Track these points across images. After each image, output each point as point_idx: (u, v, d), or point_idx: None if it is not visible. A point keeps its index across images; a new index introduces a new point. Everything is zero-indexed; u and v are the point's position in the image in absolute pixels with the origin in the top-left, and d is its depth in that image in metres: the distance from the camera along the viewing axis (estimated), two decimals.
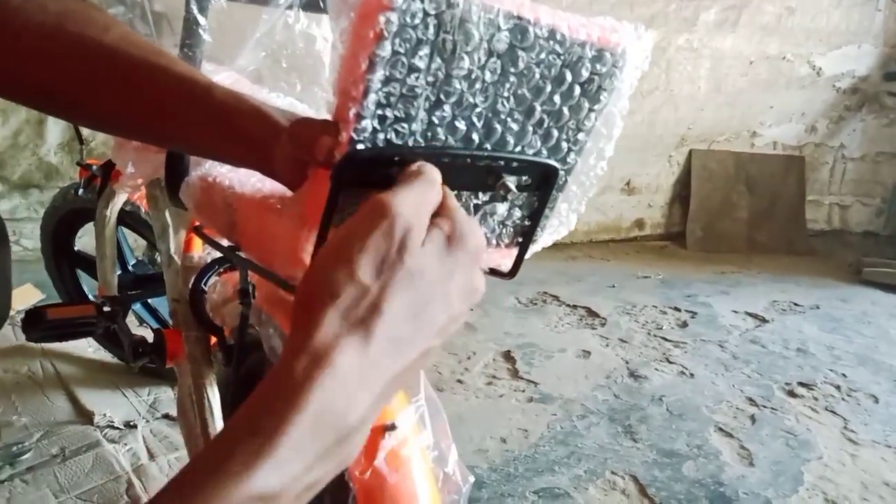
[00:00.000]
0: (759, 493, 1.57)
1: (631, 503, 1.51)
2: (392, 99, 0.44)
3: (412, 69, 0.44)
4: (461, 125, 0.48)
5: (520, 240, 0.58)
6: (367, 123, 0.45)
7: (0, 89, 0.62)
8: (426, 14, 0.42)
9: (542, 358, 2.23)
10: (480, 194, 0.53)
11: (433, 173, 0.43)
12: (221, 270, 0.93)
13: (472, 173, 0.50)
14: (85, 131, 2.12)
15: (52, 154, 2.90)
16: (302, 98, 0.85)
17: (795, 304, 2.94)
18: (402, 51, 0.43)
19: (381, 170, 0.46)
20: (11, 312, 1.02)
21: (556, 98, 0.51)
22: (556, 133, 0.53)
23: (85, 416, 1.66)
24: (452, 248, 0.40)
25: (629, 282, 3.15)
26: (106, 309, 1.19)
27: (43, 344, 1.94)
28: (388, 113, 0.45)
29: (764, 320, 2.73)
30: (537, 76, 0.49)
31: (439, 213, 0.42)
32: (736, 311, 2.81)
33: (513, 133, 0.51)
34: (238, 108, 0.55)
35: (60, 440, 1.56)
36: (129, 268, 1.75)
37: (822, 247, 3.99)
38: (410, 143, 0.47)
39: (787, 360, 2.33)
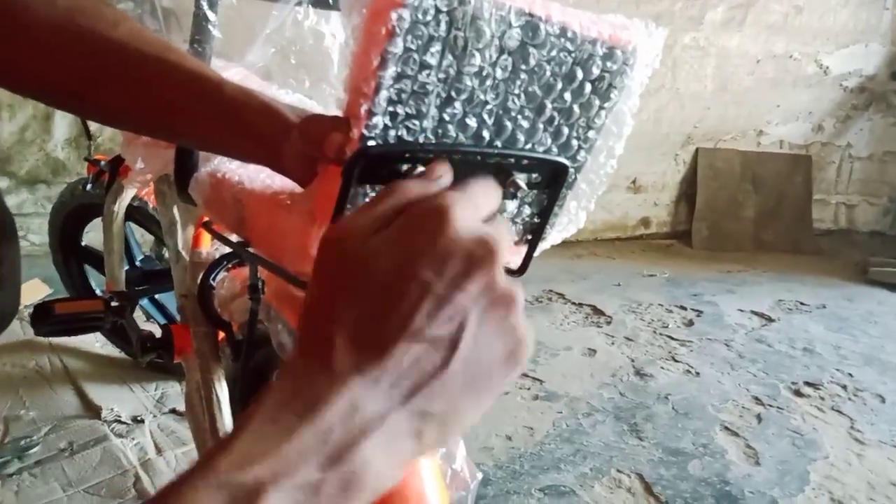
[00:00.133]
0: (765, 492, 1.56)
1: (637, 501, 1.51)
2: (403, 96, 0.45)
3: (423, 66, 0.44)
4: (472, 122, 0.49)
5: (529, 237, 0.58)
6: (379, 120, 0.45)
7: (9, 83, 0.62)
8: (438, 11, 0.42)
9: (548, 356, 2.23)
10: None
11: (489, 189, 0.41)
12: (230, 266, 0.94)
13: (482, 171, 0.50)
14: (93, 126, 2.14)
15: (59, 149, 2.90)
16: (311, 94, 0.85)
17: (802, 304, 2.93)
18: (413, 47, 0.43)
19: (391, 166, 0.46)
20: (20, 307, 1.02)
21: (567, 95, 0.51)
22: (566, 131, 0.53)
23: (92, 411, 1.67)
24: (498, 312, 0.36)
25: (635, 280, 3.15)
26: (114, 304, 1.20)
27: (51, 338, 1.94)
28: (400, 110, 0.45)
29: (770, 319, 2.72)
30: (548, 73, 0.49)
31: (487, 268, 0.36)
32: (742, 310, 2.80)
33: (523, 130, 0.51)
34: (248, 103, 0.55)
35: (68, 434, 1.56)
36: (137, 263, 1.76)
37: (828, 246, 3.97)
38: (421, 139, 0.47)
39: (794, 360, 2.32)
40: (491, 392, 0.34)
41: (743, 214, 3.94)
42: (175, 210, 1.09)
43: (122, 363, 1.91)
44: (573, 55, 0.49)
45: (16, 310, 0.85)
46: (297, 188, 0.57)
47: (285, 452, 0.29)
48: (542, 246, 0.60)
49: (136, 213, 1.59)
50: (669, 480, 1.58)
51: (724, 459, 1.69)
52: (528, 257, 0.58)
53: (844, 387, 2.13)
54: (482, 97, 0.48)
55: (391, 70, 0.43)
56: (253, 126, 0.55)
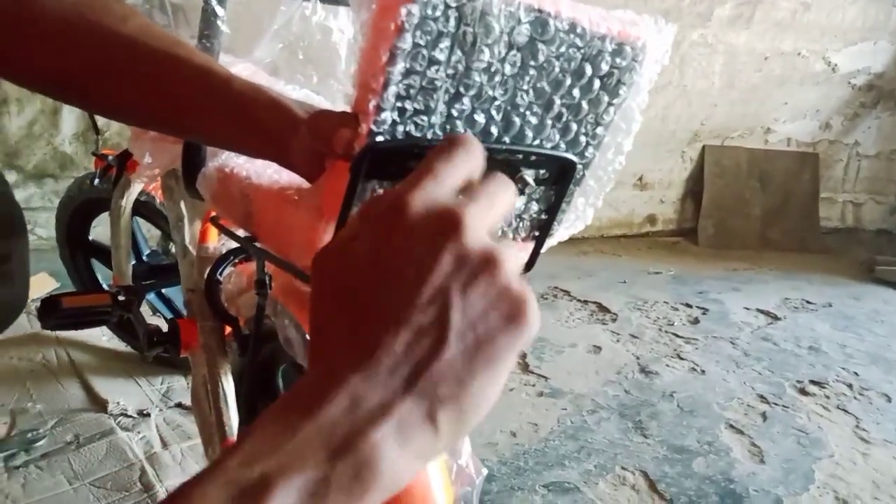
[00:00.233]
0: (770, 490, 1.56)
1: (641, 499, 1.51)
2: (412, 91, 0.45)
3: (432, 62, 0.44)
4: (480, 118, 0.49)
5: (536, 234, 0.58)
6: (387, 115, 0.45)
7: (19, 78, 0.62)
8: (447, 6, 0.42)
9: (553, 352, 2.23)
10: None
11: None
12: (236, 261, 0.94)
13: (490, 167, 0.50)
14: (100, 121, 2.14)
15: (66, 144, 2.91)
16: (318, 90, 0.85)
17: (808, 302, 2.92)
18: (422, 43, 0.43)
19: (399, 162, 0.46)
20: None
21: (576, 92, 0.51)
22: (574, 127, 0.53)
23: (99, 405, 1.67)
24: (513, 323, 0.34)
25: (640, 277, 3.14)
26: (121, 298, 1.20)
27: (57, 332, 1.95)
28: (408, 105, 0.45)
29: (776, 318, 2.71)
30: (557, 69, 0.49)
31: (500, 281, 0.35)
32: (748, 308, 2.79)
33: (531, 126, 0.51)
34: (256, 99, 0.55)
35: (74, 427, 1.57)
36: (144, 258, 1.76)
37: (835, 244, 3.96)
38: (429, 135, 0.47)
39: (799, 358, 2.32)
40: (500, 362, 0.33)
41: (749, 212, 3.93)
42: (182, 205, 1.09)
43: (129, 357, 1.92)
44: (582, 51, 0.49)
45: (25, 304, 0.85)
46: (305, 183, 0.57)
47: (291, 447, 0.29)
48: (550, 242, 0.60)
49: (144, 207, 1.59)
50: (674, 478, 1.58)
51: (729, 457, 1.68)
52: (535, 254, 0.58)
53: (850, 385, 2.13)
54: (491, 93, 0.48)
55: (400, 66, 0.43)
56: (261, 121, 0.55)
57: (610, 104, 0.53)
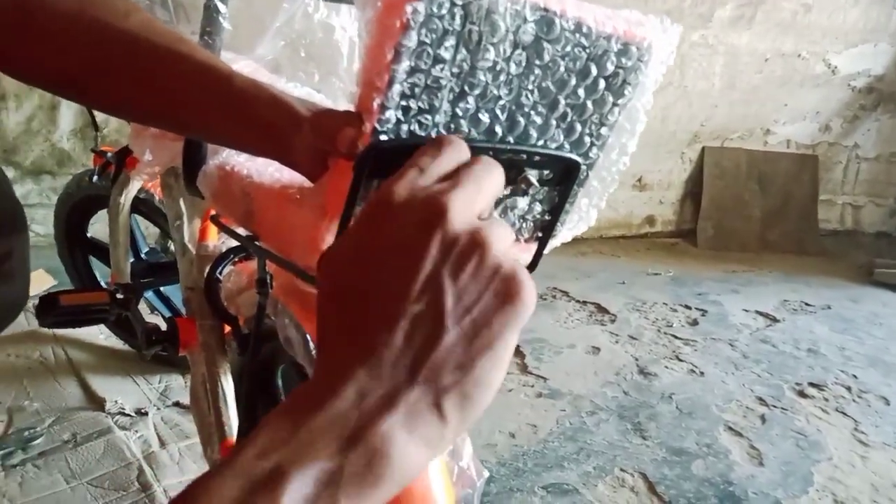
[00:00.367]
0: (769, 493, 1.56)
1: (640, 501, 1.51)
2: (417, 90, 0.44)
3: (437, 60, 0.44)
4: (485, 117, 0.48)
5: (539, 234, 0.58)
6: (391, 114, 0.44)
7: (20, 74, 0.62)
8: (453, 4, 0.42)
9: (552, 353, 2.23)
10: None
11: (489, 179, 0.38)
12: (236, 260, 0.93)
13: None
14: (99, 117, 2.13)
15: (64, 140, 2.90)
16: (320, 88, 0.84)
17: (806, 304, 2.92)
18: (428, 41, 0.42)
19: (403, 161, 0.46)
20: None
21: (581, 91, 0.50)
22: (579, 127, 0.52)
23: (96, 403, 1.67)
24: (506, 301, 0.34)
25: (639, 278, 3.14)
26: (119, 296, 1.20)
27: (55, 330, 1.94)
28: (413, 104, 0.45)
29: (775, 320, 2.71)
30: (562, 69, 0.48)
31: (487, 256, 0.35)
32: (746, 310, 2.79)
33: (536, 126, 0.51)
34: (258, 96, 0.55)
35: (72, 426, 1.57)
36: (142, 255, 1.76)
37: (833, 247, 3.96)
38: (433, 134, 0.47)
39: (798, 360, 2.32)
40: (500, 343, 0.33)
41: (749, 214, 3.93)
42: (182, 203, 1.09)
43: (126, 355, 1.91)
44: (588, 51, 0.48)
45: (25, 301, 0.85)
46: (307, 182, 0.56)
47: (303, 438, 0.30)
48: (553, 243, 0.60)
49: (142, 205, 1.58)
50: (673, 480, 1.58)
51: (728, 460, 1.68)
52: (538, 254, 0.58)
53: (849, 388, 2.13)
54: (495, 92, 0.47)
55: (405, 64, 0.42)
56: (263, 119, 0.54)
57: (615, 104, 0.53)
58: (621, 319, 2.59)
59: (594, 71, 0.50)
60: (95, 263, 1.95)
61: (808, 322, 2.72)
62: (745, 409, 1.95)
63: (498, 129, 0.49)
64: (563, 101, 0.50)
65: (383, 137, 0.45)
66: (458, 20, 0.43)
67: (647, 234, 3.97)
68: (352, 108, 0.47)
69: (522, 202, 0.54)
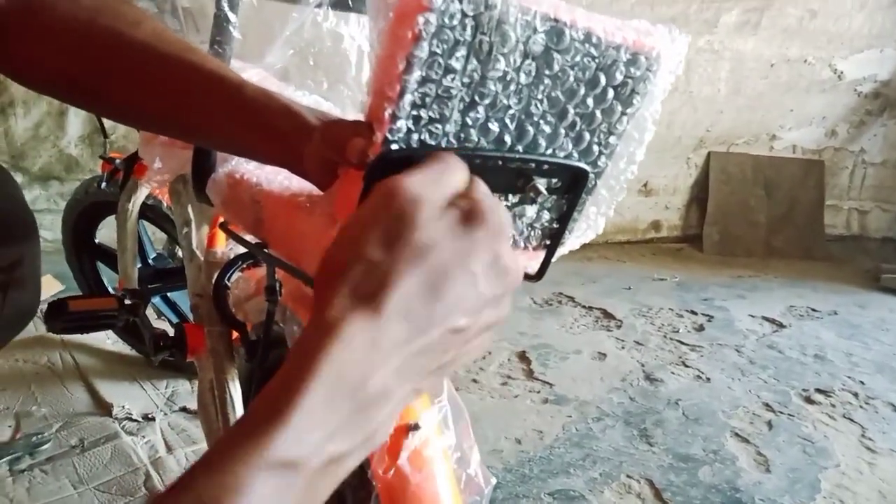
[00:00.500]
0: (776, 499, 1.56)
1: None
2: (427, 100, 0.44)
3: (448, 70, 0.44)
4: (494, 127, 0.48)
5: (547, 242, 0.58)
6: (402, 124, 0.45)
7: (32, 82, 0.63)
8: (464, 15, 0.42)
9: (558, 359, 2.23)
10: (510, 196, 0.52)
11: (453, 159, 0.43)
12: (244, 266, 0.94)
13: (502, 175, 0.50)
14: (107, 124, 2.14)
15: (72, 146, 2.92)
16: (328, 96, 0.85)
17: (813, 310, 2.92)
18: (439, 52, 0.43)
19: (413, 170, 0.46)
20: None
21: (590, 101, 0.51)
22: (587, 136, 0.53)
23: (103, 408, 1.67)
24: (470, 225, 0.39)
25: (645, 284, 3.14)
26: (127, 302, 1.20)
27: (63, 335, 1.95)
28: (423, 114, 0.45)
29: (781, 325, 2.71)
30: (571, 79, 0.49)
31: (462, 195, 0.41)
32: (753, 316, 2.79)
33: (545, 135, 0.51)
34: (268, 105, 0.55)
35: (79, 431, 1.57)
36: (150, 261, 1.77)
37: (840, 252, 3.95)
38: (443, 144, 0.47)
39: (805, 366, 2.31)
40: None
41: (754, 219, 3.92)
42: (190, 209, 1.09)
43: (133, 360, 1.92)
44: (597, 60, 0.49)
45: (36, 308, 0.85)
46: (316, 190, 0.57)
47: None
48: (561, 251, 0.60)
49: (150, 211, 1.59)
50: (679, 487, 1.58)
51: (735, 466, 1.68)
52: (546, 262, 0.58)
53: (856, 394, 2.12)
54: (505, 102, 0.48)
55: (416, 74, 0.43)
56: (273, 128, 0.55)
57: (623, 114, 0.53)
58: (627, 325, 2.59)
59: (603, 80, 0.50)
60: (102, 269, 1.96)
61: (814, 328, 2.71)
62: (751, 415, 1.94)
63: (507, 138, 0.50)
64: (572, 111, 0.50)
65: (394, 147, 0.45)
66: (469, 31, 0.43)
67: (652, 240, 3.97)
68: (361, 116, 0.48)
69: (531, 210, 0.54)
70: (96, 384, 1.78)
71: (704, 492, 1.56)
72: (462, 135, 0.47)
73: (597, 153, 0.54)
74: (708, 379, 2.16)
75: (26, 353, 1.91)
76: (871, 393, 2.13)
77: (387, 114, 0.44)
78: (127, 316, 1.21)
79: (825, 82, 3.93)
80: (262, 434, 0.32)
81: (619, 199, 0.59)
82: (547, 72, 0.48)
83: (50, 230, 2.79)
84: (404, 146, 0.45)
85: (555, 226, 0.57)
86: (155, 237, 1.86)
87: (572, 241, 0.62)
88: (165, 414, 1.67)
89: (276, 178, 0.69)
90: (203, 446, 1.51)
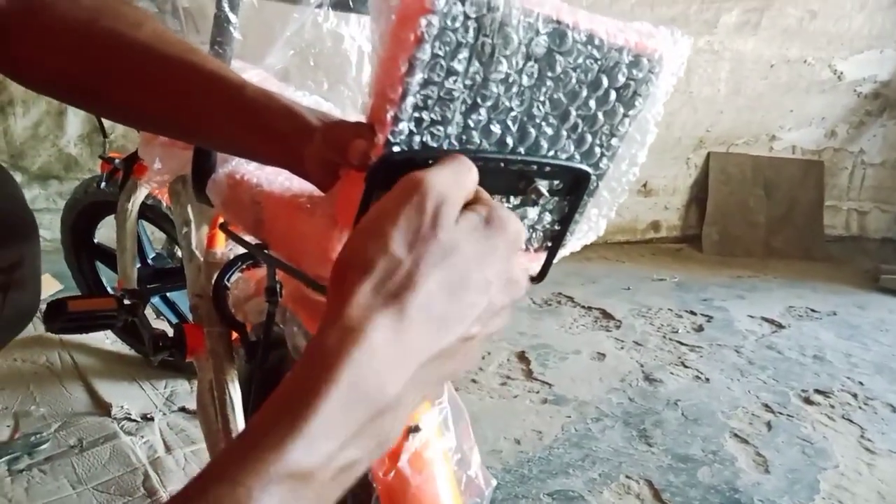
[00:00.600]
0: (775, 500, 1.56)
1: None
2: (429, 102, 0.44)
3: (450, 72, 0.44)
4: (496, 129, 0.48)
5: (549, 244, 0.58)
6: (404, 126, 0.45)
7: (33, 82, 0.62)
8: (466, 17, 0.42)
9: (557, 359, 2.23)
10: (512, 198, 0.52)
11: (468, 161, 0.42)
12: (244, 267, 0.94)
13: (504, 177, 0.50)
14: (106, 124, 2.14)
15: (71, 145, 2.92)
16: (328, 96, 0.85)
17: (812, 311, 2.92)
18: (441, 54, 0.43)
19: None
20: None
21: (592, 103, 0.51)
22: (589, 138, 0.53)
23: (102, 408, 1.67)
24: (490, 231, 0.39)
25: (644, 284, 3.14)
26: (126, 302, 1.20)
27: (61, 335, 1.95)
28: (425, 116, 0.45)
29: (780, 326, 2.71)
30: (574, 81, 0.49)
31: (474, 200, 0.41)
32: (752, 316, 2.79)
33: (547, 137, 0.51)
34: (269, 106, 0.55)
35: (78, 431, 1.57)
36: (149, 261, 1.76)
37: (839, 253, 3.95)
38: (445, 146, 0.47)
39: (804, 367, 2.31)
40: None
41: (754, 219, 3.92)
42: (189, 209, 1.09)
43: (132, 360, 1.92)
44: (599, 63, 0.49)
45: (36, 309, 0.85)
46: (317, 191, 0.56)
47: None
48: (562, 253, 0.60)
49: (150, 211, 1.59)
50: (679, 487, 1.58)
51: (734, 467, 1.68)
52: (547, 264, 0.58)
53: (855, 395, 2.12)
54: (507, 104, 0.47)
55: (418, 76, 0.43)
56: (274, 129, 0.55)
57: (625, 116, 0.53)
58: (626, 325, 2.59)
59: (605, 82, 0.50)
60: (101, 269, 1.96)
61: (813, 328, 2.71)
62: (750, 415, 1.94)
63: (509, 141, 0.49)
64: (574, 113, 0.50)
65: (396, 149, 0.45)
66: (471, 33, 0.43)
67: (652, 240, 3.97)
68: (361, 116, 0.47)
69: (532, 212, 0.54)
70: (95, 384, 1.77)
71: (703, 492, 1.56)
72: (464, 137, 0.47)
73: (598, 155, 0.54)
74: (707, 379, 2.16)
75: (25, 352, 1.91)
76: (870, 394, 2.13)
77: (389, 116, 0.44)
78: (126, 316, 1.20)
79: (825, 83, 3.93)
80: (275, 444, 0.31)
81: (620, 200, 0.59)
82: (549, 74, 0.47)
83: (49, 229, 2.78)
84: (406, 148, 0.45)
85: (556, 227, 0.57)
86: (154, 237, 1.86)
87: (574, 242, 0.62)
88: (164, 414, 1.67)
89: (277, 179, 0.69)
90: (202, 447, 1.51)
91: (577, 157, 0.53)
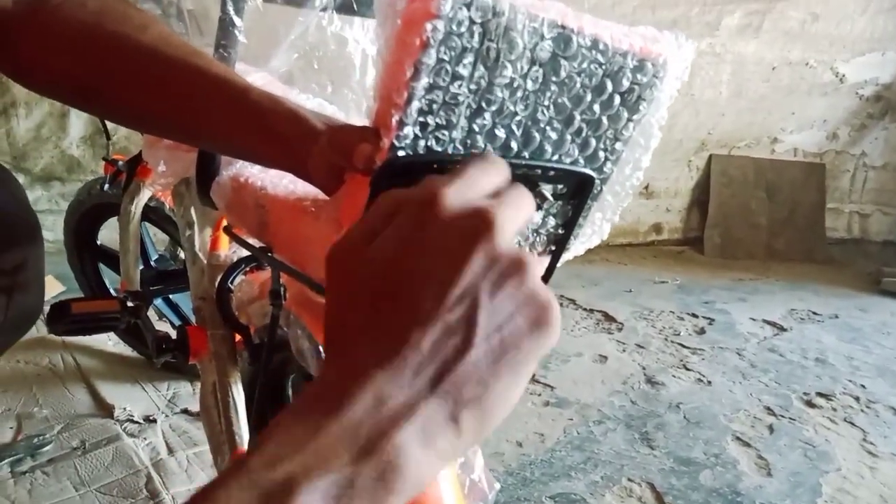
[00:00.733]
0: (777, 503, 1.55)
1: None
2: (435, 106, 0.44)
3: (456, 77, 0.44)
4: (501, 133, 0.48)
5: (553, 248, 0.58)
6: (409, 130, 0.45)
7: (37, 84, 0.63)
8: (472, 22, 0.42)
9: (559, 362, 2.22)
10: None
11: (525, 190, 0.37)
12: (247, 270, 0.94)
13: None
14: (109, 126, 2.14)
15: (74, 147, 2.92)
16: (332, 100, 0.85)
17: (814, 313, 2.91)
18: (446, 59, 0.43)
19: (419, 176, 0.46)
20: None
21: (596, 107, 0.51)
22: (593, 142, 0.53)
23: (105, 410, 1.67)
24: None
25: (646, 287, 3.14)
26: (129, 304, 1.20)
27: (64, 337, 1.95)
28: (430, 120, 0.45)
29: (782, 329, 2.71)
30: (578, 85, 0.49)
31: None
32: (754, 319, 2.79)
33: (551, 141, 0.51)
34: (274, 109, 0.55)
35: (81, 433, 1.57)
36: (152, 263, 1.77)
37: (841, 256, 3.95)
38: (450, 150, 0.47)
39: (806, 370, 2.31)
40: (524, 365, 0.33)
41: (756, 222, 3.92)
42: (193, 212, 1.09)
43: (135, 362, 1.92)
44: (604, 67, 0.49)
45: (39, 311, 0.85)
46: (321, 195, 0.57)
47: (314, 448, 0.29)
48: (566, 257, 0.60)
49: (153, 213, 1.59)
50: (681, 490, 1.57)
51: (736, 470, 1.68)
52: (551, 268, 0.58)
53: (857, 398, 2.12)
54: (512, 108, 0.48)
55: (424, 81, 0.43)
56: (278, 132, 0.55)
57: (629, 120, 0.53)
58: (628, 328, 2.58)
59: (610, 87, 0.50)
60: (104, 270, 1.96)
61: (815, 331, 2.71)
62: (752, 418, 1.94)
63: (513, 145, 0.50)
64: (578, 117, 0.51)
65: (401, 153, 0.45)
66: (476, 38, 0.43)
67: (653, 242, 3.97)
68: (365, 119, 0.48)
69: (536, 216, 0.54)
70: (98, 386, 1.78)
71: (706, 495, 1.56)
72: (468, 141, 0.48)
73: (602, 159, 0.54)
74: (709, 382, 2.16)
75: (28, 354, 1.91)
76: (872, 397, 2.13)
77: (394, 120, 0.44)
78: (129, 318, 1.20)
79: (827, 85, 3.93)
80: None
81: (624, 204, 0.60)
82: (554, 78, 0.48)
83: (51, 231, 2.79)
84: (411, 152, 0.46)
85: (560, 231, 0.57)
86: (156, 238, 1.86)
87: (577, 246, 0.62)
88: (167, 416, 1.67)
89: (281, 183, 0.69)
90: (205, 449, 1.51)
91: (581, 161, 0.53)
